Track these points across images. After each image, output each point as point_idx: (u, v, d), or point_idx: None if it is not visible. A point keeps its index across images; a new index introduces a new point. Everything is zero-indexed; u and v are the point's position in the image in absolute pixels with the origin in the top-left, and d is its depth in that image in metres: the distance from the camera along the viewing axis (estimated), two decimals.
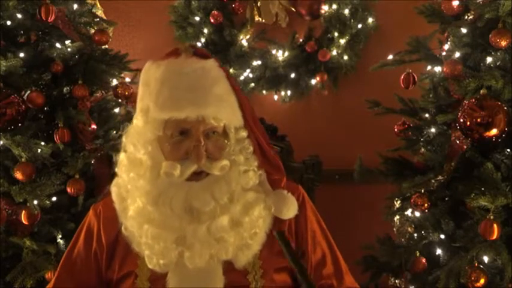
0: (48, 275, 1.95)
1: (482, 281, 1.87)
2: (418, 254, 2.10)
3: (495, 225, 1.81)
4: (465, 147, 1.98)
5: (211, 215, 1.21)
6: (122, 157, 1.32)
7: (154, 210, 1.22)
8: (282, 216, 1.30)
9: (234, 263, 1.24)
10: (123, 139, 1.32)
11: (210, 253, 1.21)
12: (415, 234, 2.16)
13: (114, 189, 1.34)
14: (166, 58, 1.27)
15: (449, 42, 2.11)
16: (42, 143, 2.03)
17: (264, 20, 3.15)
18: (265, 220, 1.29)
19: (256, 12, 3.14)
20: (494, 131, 1.85)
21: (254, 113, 1.35)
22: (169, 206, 1.20)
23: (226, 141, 1.25)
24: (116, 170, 1.34)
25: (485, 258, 1.92)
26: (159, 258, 1.21)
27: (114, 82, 2.35)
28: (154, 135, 1.24)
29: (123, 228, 1.28)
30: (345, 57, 3.07)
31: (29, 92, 2.04)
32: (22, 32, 2.15)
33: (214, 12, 2.96)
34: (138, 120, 1.29)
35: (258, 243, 1.25)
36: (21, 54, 2.07)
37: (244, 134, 1.29)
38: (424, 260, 2.09)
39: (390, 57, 2.28)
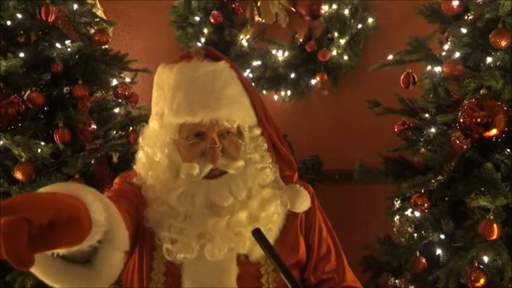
0: None
1: (482, 281, 1.87)
2: (418, 254, 2.10)
3: (495, 225, 1.81)
4: (465, 147, 1.98)
5: (230, 210, 1.24)
6: (140, 155, 1.34)
7: (176, 207, 1.24)
8: (295, 210, 1.33)
9: (249, 256, 1.27)
10: (140, 140, 1.35)
11: (229, 246, 1.23)
12: (415, 234, 2.16)
13: (138, 182, 1.33)
14: (178, 61, 1.29)
15: (449, 42, 2.11)
16: (42, 143, 2.03)
17: (264, 20, 3.15)
18: (280, 216, 1.32)
19: (256, 12, 3.14)
20: (494, 131, 1.85)
21: (266, 109, 1.38)
22: (191, 202, 1.23)
23: (240, 140, 1.28)
24: (134, 167, 1.35)
25: (485, 258, 1.92)
26: (180, 252, 1.23)
27: (114, 82, 2.36)
28: (171, 138, 1.27)
29: (144, 221, 1.29)
30: (345, 57, 3.08)
31: (29, 92, 2.04)
32: (22, 32, 2.15)
33: (214, 12, 2.97)
34: (153, 124, 1.31)
35: (271, 238, 1.26)
36: (21, 54, 2.07)
37: (258, 132, 1.32)
38: (424, 260, 2.09)
39: (390, 57, 2.29)
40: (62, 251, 0.82)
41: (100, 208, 0.85)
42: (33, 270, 0.87)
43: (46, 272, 0.88)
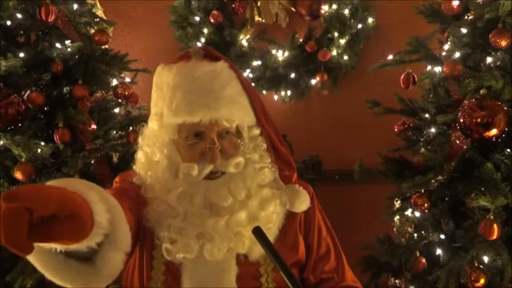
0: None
1: (482, 281, 1.87)
2: (418, 254, 2.10)
3: (495, 225, 1.81)
4: (465, 147, 1.98)
5: (229, 210, 1.24)
6: (140, 155, 1.34)
7: (176, 207, 1.24)
8: (294, 210, 1.33)
9: (248, 255, 1.27)
10: (139, 140, 1.35)
11: (229, 246, 1.24)
12: (415, 234, 2.16)
13: (138, 182, 1.34)
14: (177, 61, 1.29)
15: (449, 42, 2.11)
16: (42, 143, 2.03)
17: (264, 20, 3.15)
18: (279, 215, 1.32)
19: (256, 12, 3.14)
20: (494, 131, 1.85)
21: (266, 109, 1.38)
22: (190, 202, 1.24)
23: (239, 140, 1.28)
24: (134, 167, 1.35)
25: (485, 258, 1.92)
26: (179, 252, 1.23)
27: (114, 82, 2.36)
28: (170, 138, 1.27)
29: (144, 220, 1.29)
30: (345, 57, 3.08)
31: (29, 92, 2.05)
32: (22, 32, 2.15)
33: (214, 12, 2.96)
34: (153, 124, 1.32)
35: (271, 237, 1.26)
36: (21, 54, 2.07)
37: (257, 131, 1.33)
38: (424, 260, 2.09)
39: (390, 57, 2.29)
40: (61, 247, 0.82)
41: (103, 210, 0.86)
42: (34, 263, 0.89)
43: (47, 266, 0.89)
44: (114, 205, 0.94)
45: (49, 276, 0.90)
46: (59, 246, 0.83)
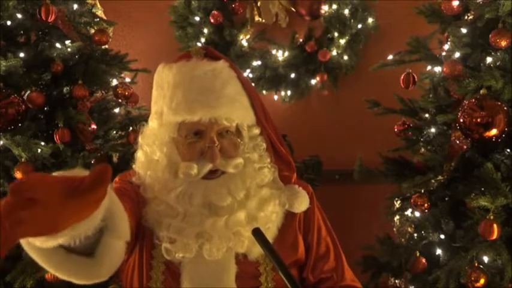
0: (48, 275, 1.95)
1: (482, 281, 1.87)
2: (418, 254, 2.10)
3: (495, 225, 1.81)
4: (465, 147, 1.98)
5: (229, 210, 1.24)
6: (139, 154, 1.35)
7: (175, 207, 1.25)
8: (294, 210, 1.33)
9: (248, 254, 1.28)
10: (139, 139, 1.35)
11: (228, 246, 1.24)
12: (415, 234, 2.16)
13: (137, 182, 1.34)
14: (178, 60, 1.30)
15: (449, 42, 2.11)
16: (42, 143, 2.04)
17: (264, 20, 3.15)
18: (278, 215, 1.33)
19: (256, 12, 3.14)
20: (494, 131, 1.85)
21: (266, 109, 1.38)
22: (189, 202, 1.24)
23: (239, 140, 1.28)
24: (134, 166, 1.35)
25: (485, 258, 1.92)
26: (179, 252, 1.24)
27: (114, 82, 2.36)
28: (170, 137, 1.27)
29: (143, 220, 1.29)
30: (345, 57, 3.08)
31: (29, 92, 2.05)
32: (22, 32, 2.15)
33: (214, 12, 2.96)
34: (153, 123, 1.32)
35: (270, 237, 1.26)
36: (21, 54, 2.08)
37: (257, 131, 1.33)
38: (424, 260, 2.09)
39: (390, 57, 2.29)
40: (63, 239, 0.83)
41: None
42: (36, 258, 0.90)
43: (49, 261, 0.90)
44: (112, 196, 0.94)
45: (51, 270, 0.92)
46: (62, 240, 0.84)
